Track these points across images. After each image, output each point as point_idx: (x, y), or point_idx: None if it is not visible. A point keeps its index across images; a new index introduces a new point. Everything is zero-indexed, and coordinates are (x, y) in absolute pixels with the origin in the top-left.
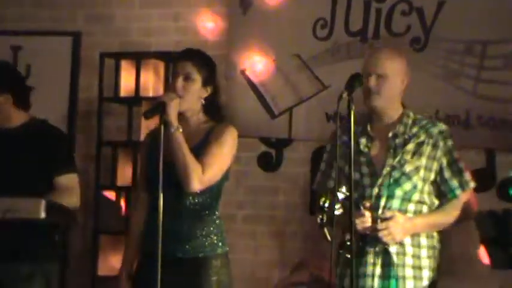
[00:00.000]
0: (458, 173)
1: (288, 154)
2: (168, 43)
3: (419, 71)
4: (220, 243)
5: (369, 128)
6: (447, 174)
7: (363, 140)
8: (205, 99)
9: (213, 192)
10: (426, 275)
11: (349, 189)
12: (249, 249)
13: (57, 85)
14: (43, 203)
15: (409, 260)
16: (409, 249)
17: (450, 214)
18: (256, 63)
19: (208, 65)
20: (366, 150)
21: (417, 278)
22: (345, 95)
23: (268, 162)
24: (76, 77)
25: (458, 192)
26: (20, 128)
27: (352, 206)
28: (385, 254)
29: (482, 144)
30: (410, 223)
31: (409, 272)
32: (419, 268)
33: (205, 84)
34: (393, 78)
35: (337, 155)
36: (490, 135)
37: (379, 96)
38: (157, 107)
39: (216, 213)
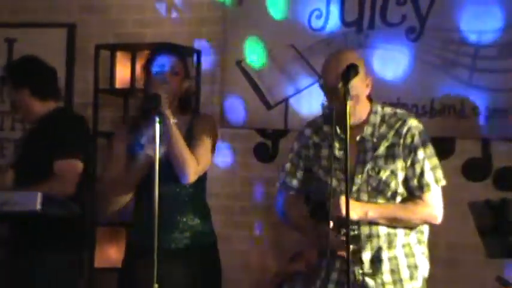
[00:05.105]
0: (424, 171)
1: (284, 145)
2: (163, 34)
3: (414, 61)
4: (208, 232)
5: (338, 130)
6: (415, 171)
7: (336, 144)
8: (184, 92)
9: (199, 181)
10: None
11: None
12: (245, 241)
13: None
14: (39, 195)
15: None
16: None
17: (412, 211)
18: (252, 54)
19: (186, 60)
20: (340, 154)
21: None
22: (340, 85)
23: (265, 153)
24: (71, 68)
25: (425, 189)
26: (39, 120)
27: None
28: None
29: (477, 134)
30: (361, 204)
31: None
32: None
33: (185, 77)
34: (359, 84)
35: (311, 157)
36: (485, 125)
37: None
38: (153, 99)
39: (203, 202)
